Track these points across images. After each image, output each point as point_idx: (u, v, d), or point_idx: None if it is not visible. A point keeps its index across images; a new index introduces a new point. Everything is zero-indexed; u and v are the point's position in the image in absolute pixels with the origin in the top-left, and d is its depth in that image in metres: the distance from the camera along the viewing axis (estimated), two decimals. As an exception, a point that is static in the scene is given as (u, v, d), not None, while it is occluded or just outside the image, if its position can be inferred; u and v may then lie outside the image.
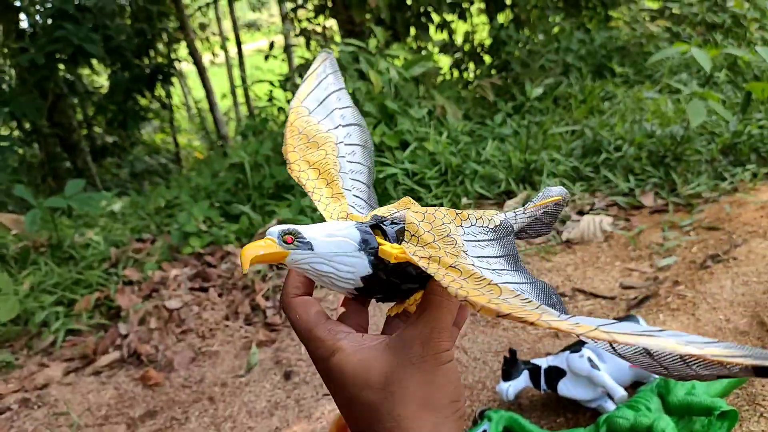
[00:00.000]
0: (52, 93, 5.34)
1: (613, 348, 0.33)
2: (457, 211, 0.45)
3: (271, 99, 4.41)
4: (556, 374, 1.21)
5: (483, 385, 1.39)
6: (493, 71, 3.95)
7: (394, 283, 0.43)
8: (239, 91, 8.81)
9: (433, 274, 0.38)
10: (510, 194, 2.50)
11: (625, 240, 1.97)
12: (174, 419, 1.53)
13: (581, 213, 2.22)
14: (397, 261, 0.41)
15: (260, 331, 1.86)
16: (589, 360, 1.19)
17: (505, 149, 2.79)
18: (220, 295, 2.10)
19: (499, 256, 0.44)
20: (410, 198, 0.49)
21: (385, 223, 0.44)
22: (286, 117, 0.54)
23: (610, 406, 1.18)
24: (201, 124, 9.27)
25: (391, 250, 0.41)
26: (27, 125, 5.88)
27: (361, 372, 0.40)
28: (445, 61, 4.79)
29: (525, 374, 1.25)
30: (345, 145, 0.54)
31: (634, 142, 2.51)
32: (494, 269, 0.42)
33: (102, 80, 7.08)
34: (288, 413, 1.48)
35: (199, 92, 8.69)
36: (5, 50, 5.35)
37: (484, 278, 0.39)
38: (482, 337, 1.57)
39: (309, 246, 0.41)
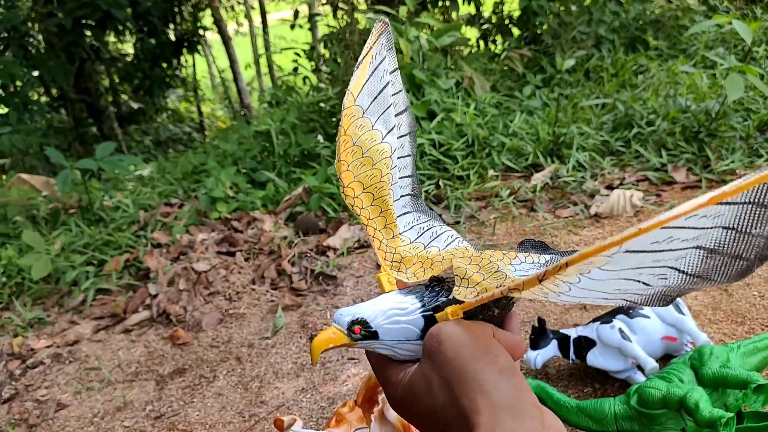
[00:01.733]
0: (79, 58, 5.38)
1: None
2: (504, 252, 0.46)
3: (296, 69, 4.39)
4: (585, 344, 1.20)
5: (510, 353, 1.39)
6: (521, 44, 3.87)
7: None
8: (263, 61, 8.78)
9: (489, 296, 0.39)
10: (537, 167, 2.47)
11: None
12: (203, 377, 1.56)
13: (610, 187, 2.18)
14: (454, 317, 0.42)
15: (286, 295, 1.88)
16: (620, 331, 1.18)
17: (534, 122, 2.75)
18: (246, 260, 2.12)
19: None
20: (466, 247, 0.49)
21: (441, 298, 0.44)
22: (338, 121, 0.50)
23: (640, 377, 1.18)
24: (224, 93, 9.28)
25: (448, 316, 0.42)
26: (54, 91, 5.94)
27: (412, 390, 0.41)
28: (472, 34, 4.71)
29: (554, 344, 1.24)
30: (398, 149, 0.52)
31: (668, 117, 2.45)
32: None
33: (128, 48, 7.10)
34: (314, 375, 1.50)
35: (222, 62, 8.68)
36: (33, 14, 5.39)
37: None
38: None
39: (375, 335, 0.42)
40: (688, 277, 0.36)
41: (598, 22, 3.46)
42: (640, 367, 1.18)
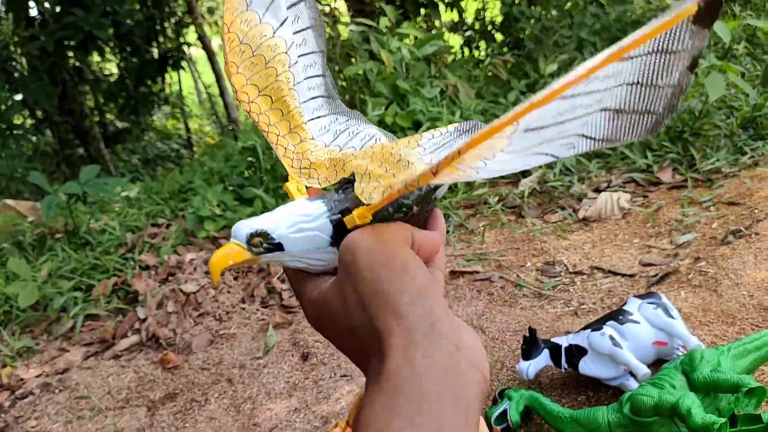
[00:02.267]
0: (62, 80, 5.36)
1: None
2: (414, 136, 0.43)
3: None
4: (577, 352, 1.19)
5: (502, 364, 1.38)
6: (505, 49, 3.89)
7: None
8: (249, 75, 8.76)
9: (415, 176, 0.35)
10: (525, 173, 2.47)
11: (643, 217, 1.94)
12: (194, 401, 1.54)
13: (598, 190, 2.19)
14: (362, 220, 0.38)
15: (277, 313, 1.86)
16: (611, 338, 1.17)
17: (519, 127, 2.75)
18: (235, 278, 2.10)
19: (459, 135, 0.42)
20: (382, 144, 0.44)
21: (351, 199, 0.41)
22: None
23: (633, 384, 1.17)
24: (211, 109, 9.27)
25: (353, 218, 0.39)
26: (39, 113, 5.91)
27: (325, 307, 0.39)
28: (455, 41, 4.73)
29: (545, 353, 1.23)
30: (296, 46, 0.47)
31: (652, 118, 2.46)
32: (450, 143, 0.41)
33: (112, 67, 7.08)
34: (307, 394, 1.48)
35: (208, 77, 8.67)
36: (16, 38, 5.37)
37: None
38: (500, 317, 1.55)
39: (279, 247, 0.39)
40: (596, 142, 0.33)
41: (579, 26, 3.49)
42: (632, 374, 1.17)
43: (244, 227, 0.39)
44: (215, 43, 9.19)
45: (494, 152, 0.32)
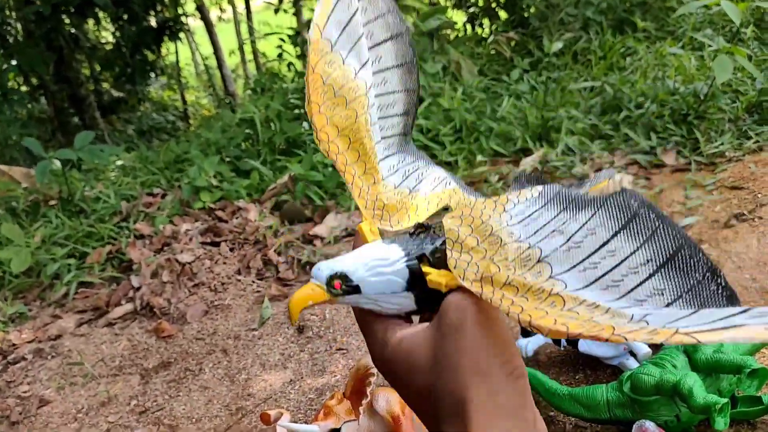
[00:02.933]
0: (58, 47, 5.26)
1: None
2: (495, 198, 0.41)
3: (281, 55, 4.31)
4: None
5: (500, 341, 1.37)
6: (509, 27, 3.83)
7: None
8: (247, 48, 8.65)
9: (489, 300, 0.35)
10: (526, 152, 2.45)
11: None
12: (188, 370, 1.53)
13: (600, 171, 2.16)
14: (448, 289, 0.38)
15: (272, 285, 1.85)
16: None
17: (522, 106, 2.72)
18: (231, 250, 2.08)
19: (557, 214, 0.39)
20: (454, 189, 0.44)
21: (426, 245, 0.41)
22: (304, 61, 0.44)
23: (632, 363, 1.16)
24: (209, 81, 9.15)
25: (439, 279, 0.38)
26: (34, 80, 5.82)
27: (410, 357, 0.38)
28: (458, 17, 4.66)
29: (545, 330, 1.22)
30: (376, 86, 0.47)
31: (656, 99, 2.43)
32: (555, 230, 0.37)
33: (108, 36, 6.96)
34: (302, 366, 1.47)
35: (206, 48, 8.54)
36: (11, 2, 5.25)
37: (543, 289, 0.34)
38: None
39: (357, 290, 0.39)
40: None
41: (585, 4, 3.43)
42: (632, 353, 1.16)
43: (325, 269, 0.39)
44: (214, 14, 9.04)
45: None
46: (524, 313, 0.33)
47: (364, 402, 0.99)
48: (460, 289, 0.37)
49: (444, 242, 0.40)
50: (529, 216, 0.40)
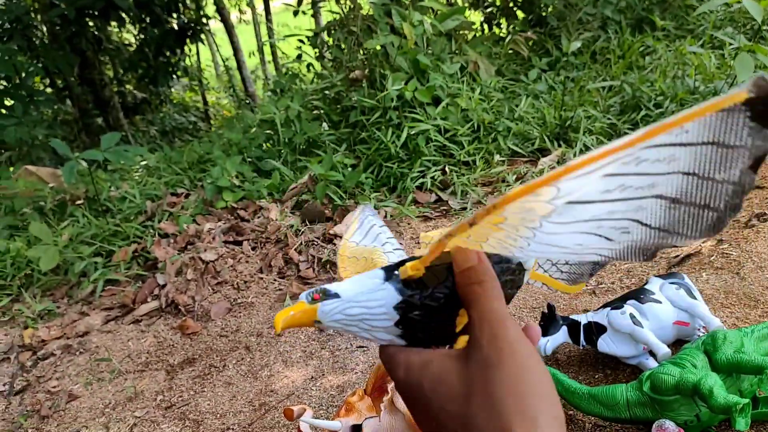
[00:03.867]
0: (82, 49, 5.36)
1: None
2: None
3: (300, 56, 4.35)
4: (596, 330, 1.19)
5: (519, 340, 1.39)
6: (526, 26, 3.83)
7: (430, 307, 0.41)
8: (266, 49, 8.73)
9: (428, 243, 0.39)
10: (544, 152, 2.45)
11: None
12: (212, 366, 1.57)
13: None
14: (414, 271, 0.40)
15: (294, 284, 1.88)
16: (632, 317, 1.17)
17: (540, 106, 2.72)
18: (253, 249, 2.11)
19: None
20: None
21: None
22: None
23: (652, 363, 1.17)
24: (229, 82, 9.25)
25: (408, 270, 0.40)
26: (59, 82, 5.94)
27: (439, 385, 0.37)
28: (476, 17, 4.65)
29: (563, 329, 1.23)
30: (393, 250, 0.59)
31: (676, 99, 2.42)
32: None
33: (130, 38, 7.07)
34: (323, 364, 1.50)
35: (226, 50, 8.63)
36: (36, 5, 5.36)
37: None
38: (518, 293, 1.55)
39: (336, 296, 0.41)
40: (652, 231, 0.33)
41: (604, 3, 3.41)
42: (651, 353, 1.17)
43: (306, 292, 0.44)
44: (234, 16, 9.13)
45: (538, 219, 0.32)
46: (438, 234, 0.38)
47: (385, 399, 1.01)
48: (465, 287, 0.39)
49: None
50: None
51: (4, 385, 1.63)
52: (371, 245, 0.58)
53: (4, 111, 3.98)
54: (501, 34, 4.16)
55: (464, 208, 2.15)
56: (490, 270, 0.40)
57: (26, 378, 1.65)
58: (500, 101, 2.76)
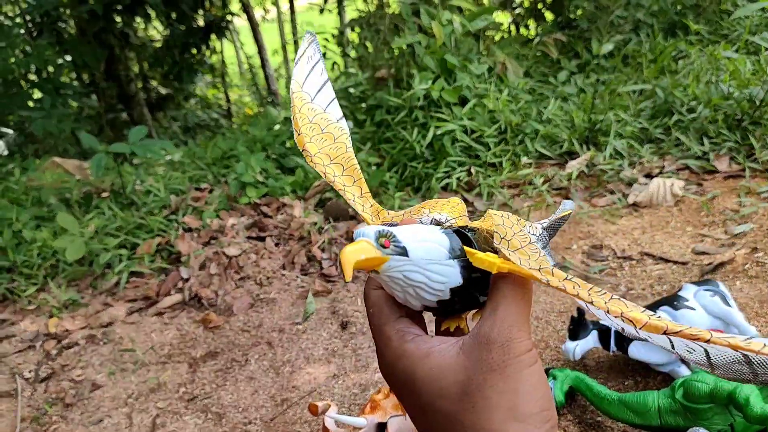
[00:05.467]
0: (109, 44, 5.43)
1: (708, 359, 0.33)
2: (517, 217, 0.43)
3: (324, 54, 4.35)
4: (627, 336, 1.16)
5: (546, 344, 1.36)
6: (555, 28, 3.79)
7: (473, 297, 0.40)
8: (290, 47, 8.77)
9: (560, 287, 0.35)
10: (572, 155, 2.41)
11: (697, 205, 1.88)
12: (234, 361, 1.57)
13: (649, 176, 2.12)
14: (499, 271, 0.37)
15: (316, 281, 1.87)
16: (665, 323, 1.14)
17: (568, 108, 2.68)
18: (276, 245, 2.11)
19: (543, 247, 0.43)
20: (456, 198, 0.46)
21: (465, 229, 0.41)
22: (291, 99, 0.51)
23: (684, 370, 1.14)
24: (252, 79, 9.31)
25: (491, 259, 0.38)
26: (86, 76, 6.02)
27: (434, 379, 0.36)
28: (503, 18, 4.62)
29: (593, 334, 1.21)
30: (349, 136, 0.53)
31: (709, 104, 2.37)
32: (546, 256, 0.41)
33: (156, 34, 7.15)
34: (345, 362, 1.49)
35: (250, 48, 8.69)
36: (65, 0, 5.44)
37: (605, 292, 0.36)
38: (544, 297, 1.53)
39: (404, 251, 0.38)
40: (712, 368, 0.34)
41: (636, 6, 3.36)
42: (684, 360, 1.14)
43: (370, 227, 0.38)
44: (258, 14, 9.18)
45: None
46: (613, 304, 0.34)
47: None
48: (509, 276, 0.37)
49: (472, 230, 0.41)
50: (537, 239, 0.43)
51: (29, 372, 1.64)
52: (335, 120, 0.52)
53: (32, 104, 4.04)
54: (529, 36, 4.12)
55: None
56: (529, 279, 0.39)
57: (51, 366, 1.67)
58: (528, 103, 2.73)
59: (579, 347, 1.20)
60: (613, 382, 1.20)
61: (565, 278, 0.36)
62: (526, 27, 4.36)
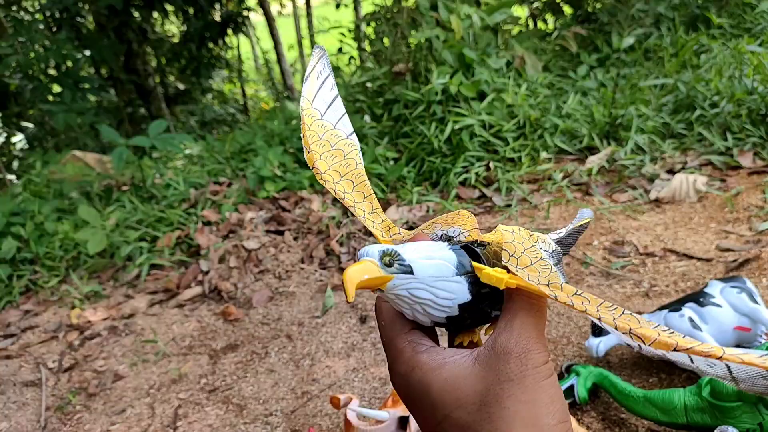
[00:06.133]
0: (127, 39, 5.47)
1: (730, 373, 0.34)
2: (530, 232, 0.42)
3: (341, 49, 4.36)
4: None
5: (568, 340, 1.35)
6: (574, 22, 3.75)
7: (484, 312, 0.40)
8: (305, 42, 8.77)
9: (567, 303, 0.35)
10: (593, 150, 2.39)
11: (720, 201, 1.85)
12: (254, 353, 1.57)
13: (671, 172, 2.09)
14: (507, 287, 0.37)
15: (335, 275, 1.87)
16: (690, 320, 1.12)
17: (588, 103, 2.66)
18: (295, 239, 2.12)
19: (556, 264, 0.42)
20: (466, 211, 0.45)
21: (473, 245, 0.41)
22: (304, 113, 0.51)
23: (710, 368, 1.12)
24: (268, 74, 9.33)
25: (498, 275, 0.37)
26: (104, 71, 6.07)
27: (450, 390, 0.36)
28: (521, 12, 4.59)
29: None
30: (360, 152, 0.53)
31: (733, 99, 2.33)
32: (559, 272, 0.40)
33: (173, 29, 7.18)
34: (364, 355, 1.49)
35: (266, 43, 8.71)
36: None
37: (616, 307, 0.35)
38: (567, 292, 1.52)
39: (409, 270, 0.38)
40: (735, 382, 0.35)
41: (657, 0, 3.32)
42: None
43: (374, 247, 0.39)
44: (274, 9, 9.20)
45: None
46: (622, 321, 0.33)
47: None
48: (516, 291, 0.37)
49: (482, 245, 0.41)
50: (550, 255, 0.42)
51: (53, 362, 1.67)
52: (344, 136, 0.52)
53: (52, 98, 4.08)
54: (547, 30, 4.08)
55: (509, 205, 2.11)
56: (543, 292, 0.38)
57: (74, 356, 1.69)
58: (547, 97, 2.71)
59: (602, 344, 1.19)
60: (636, 379, 1.19)
61: (575, 294, 0.36)
62: (544, 21, 4.32)
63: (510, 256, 0.38)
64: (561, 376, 1.19)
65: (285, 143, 2.86)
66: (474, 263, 0.39)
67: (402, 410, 1.04)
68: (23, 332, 1.85)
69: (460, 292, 0.39)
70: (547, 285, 0.36)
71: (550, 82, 2.94)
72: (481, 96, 2.66)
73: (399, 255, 0.38)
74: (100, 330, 1.81)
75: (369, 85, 3.16)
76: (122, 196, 2.54)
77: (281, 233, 2.16)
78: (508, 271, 0.38)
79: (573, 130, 2.48)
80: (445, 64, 2.73)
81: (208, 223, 2.30)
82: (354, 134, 0.52)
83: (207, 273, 1.95)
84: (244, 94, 8.12)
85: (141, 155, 2.96)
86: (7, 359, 1.72)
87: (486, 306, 0.40)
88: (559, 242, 0.46)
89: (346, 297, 0.36)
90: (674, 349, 0.32)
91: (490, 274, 0.38)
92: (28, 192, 2.75)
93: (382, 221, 0.47)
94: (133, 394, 1.50)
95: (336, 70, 3.77)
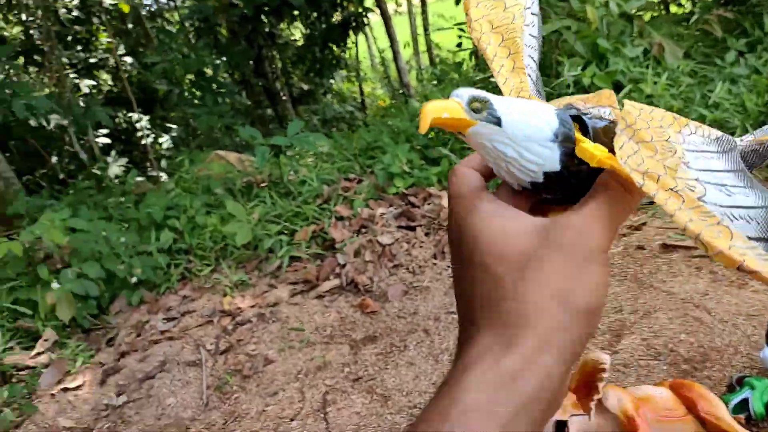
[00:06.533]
0: (258, 45, 5.82)
1: None
2: (675, 115, 0.37)
3: (460, 45, 4.34)
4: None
5: (735, 349, 1.26)
6: (714, 5, 3.46)
7: (573, 186, 0.36)
8: (420, 40, 8.83)
9: (651, 195, 0.31)
10: None
11: None
12: (393, 346, 1.62)
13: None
14: (599, 166, 0.34)
15: (468, 271, 1.88)
16: None
17: (738, 91, 2.44)
18: (426, 235, 2.15)
19: (728, 171, 0.35)
20: (611, 91, 0.40)
21: (587, 116, 0.37)
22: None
23: None
24: (384, 73, 9.50)
25: (593, 151, 0.34)
26: (236, 75, 6.50)
27: (497, 242, 0.34)
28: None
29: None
30: (531, 13, 0.46)
31: None
32: (724, 185, 0.34)
33: (297, 33, 7.52)
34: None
35: (382, 41, 8.87)
36: (217, 4, 5.90)
37: (712, 215, 0.31)
38: (727, 298, 1.41)
39: (498, 121, 0.35)
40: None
41: (820, -26, 2.98)
42: None
43: (467, 90, 0.36)
44: (391, 8, 9.34)
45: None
46: (693, 223, 0.30)
47: (594, 398, 0.97)
48: (609, 174, 0.34)
49: (606, 128, 0.37)
50: (702, 151, 0.36)
51: (210, 344, 1.82)
52: (512, 4, 0.46)
53: (196, 102, 4.44)
54: (683, 14, 3.80)
55: (651, 203, 2.00)
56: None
57: (228, 340, 1.83)
58: (690, 87, 2.53)
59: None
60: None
61: (671, 189, 0.32)
62: (679, 5, 4.03)
63: (627, 125, 0.35)
64: (732, 389, 1.11)
65: (411, 140, 2.91)
66: (577, 134, 0.36)
67: (559, 414, 1.03)
68: (182, 316, 2.03)
69: (549, 159, 0.36)
70: (644, 172, 0.32)
71: (692, 70, 2.74)
72: (617, 87, 2.54)
73: (490, 104, 0.35)
74: (250, 317, 1.94)
75: (492, 79, 3.12)
76: (262, 192, 2.71)
77: (413, 229, 2.20)
78: (612, 152, 0.34)
79: (722, 121, 2.30)
80: (575, 55, 2.64)
81: (340, 218, 2.40)
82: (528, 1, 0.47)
83: (344, 266, 2.03)
84: (361, 93, 8.34)
85: (275, 154, 3.13)
86: (170, 340, 1.90)
87: (578, 183, 0.36)
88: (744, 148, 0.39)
89: (420, 127, 0.34)
90: (738, 268, 0.28)
91: (584, 147, 0.35)
92: (179, 188, 3.01)
93: (520, 81, 0.43)
94: (283, 378, 1.60)
95: (459, 65, 3.77)
